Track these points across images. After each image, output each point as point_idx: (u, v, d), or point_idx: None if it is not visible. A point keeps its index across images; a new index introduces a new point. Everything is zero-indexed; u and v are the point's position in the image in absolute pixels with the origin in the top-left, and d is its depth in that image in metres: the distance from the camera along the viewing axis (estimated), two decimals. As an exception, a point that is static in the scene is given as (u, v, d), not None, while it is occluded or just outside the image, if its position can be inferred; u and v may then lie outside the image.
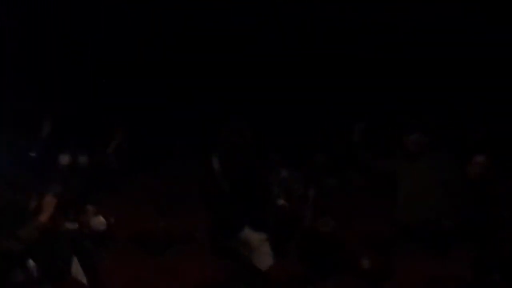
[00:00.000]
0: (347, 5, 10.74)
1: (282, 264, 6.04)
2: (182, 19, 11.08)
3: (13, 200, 5.01)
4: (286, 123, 10.78)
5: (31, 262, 4.54)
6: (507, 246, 6.09)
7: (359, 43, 10.97)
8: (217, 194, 5.87)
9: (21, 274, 4.09)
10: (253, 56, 11.24)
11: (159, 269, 6.07)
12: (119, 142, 9.31)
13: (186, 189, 8.37)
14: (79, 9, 10.58)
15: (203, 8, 11.03)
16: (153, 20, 11.06)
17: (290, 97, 11.05)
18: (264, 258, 5.92)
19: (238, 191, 5.91)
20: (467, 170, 6.69)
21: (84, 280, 5.42)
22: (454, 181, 6.56)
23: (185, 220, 7.58)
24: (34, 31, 10.44)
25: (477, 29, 10.15)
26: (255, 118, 9.36)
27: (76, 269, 5.42)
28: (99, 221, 6.78)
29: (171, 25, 11.13)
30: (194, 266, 6.10)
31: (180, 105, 11.03)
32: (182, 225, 7.47)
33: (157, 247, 6.84)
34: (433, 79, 10.52)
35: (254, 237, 5.93)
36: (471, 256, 5.87)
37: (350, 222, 7.52)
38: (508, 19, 9.92)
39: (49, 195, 4.85)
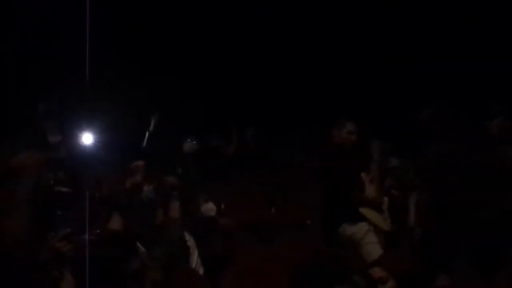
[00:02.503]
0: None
1: (396, 255, 5.93)
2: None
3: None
4: (395, 111, 10.59)
5: (141, 248, 4.61)
6: None
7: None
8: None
9: (135, 261, 4.14)
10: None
11: (269, 257, 6.08)
12: (240, 133, 9.42)
13: (297, 179, 8.35)
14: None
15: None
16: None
17: (398, 83, 10.87)
18: (372, 248, 5.83)
19: (338, 190, 5.87)
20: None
21: (200, 270, 5.50)
22: None
23: (296, 208, 7.57)
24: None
25: None
26: (364, 106, 9.26)
27: (193, 259, 5.51)
28: (209, 207, 6.88)
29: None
30: (305, 254, 6.07)
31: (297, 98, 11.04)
32: (293, 214, 7.47)
33: (268, 235, 6.87)
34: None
35: (354, 230, 5.86)
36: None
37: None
38: None
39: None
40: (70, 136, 7.35)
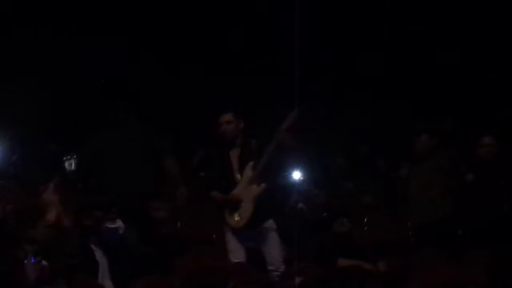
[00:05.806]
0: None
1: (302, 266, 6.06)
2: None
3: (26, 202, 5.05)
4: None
5: (43, 261, 4.55)
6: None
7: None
8: None
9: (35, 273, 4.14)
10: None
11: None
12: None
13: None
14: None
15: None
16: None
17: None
18: (231, 248, 6.10)
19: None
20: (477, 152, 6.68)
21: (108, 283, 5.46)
22: (458, 183, 6.57)
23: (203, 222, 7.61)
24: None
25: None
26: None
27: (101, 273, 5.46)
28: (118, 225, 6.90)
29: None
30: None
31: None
32: (200, 228, 7.51)
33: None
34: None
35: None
36: (485, 260, 5.87)
37: (366, 226, 7.54)
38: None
39: (49, 185, 4.88)
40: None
